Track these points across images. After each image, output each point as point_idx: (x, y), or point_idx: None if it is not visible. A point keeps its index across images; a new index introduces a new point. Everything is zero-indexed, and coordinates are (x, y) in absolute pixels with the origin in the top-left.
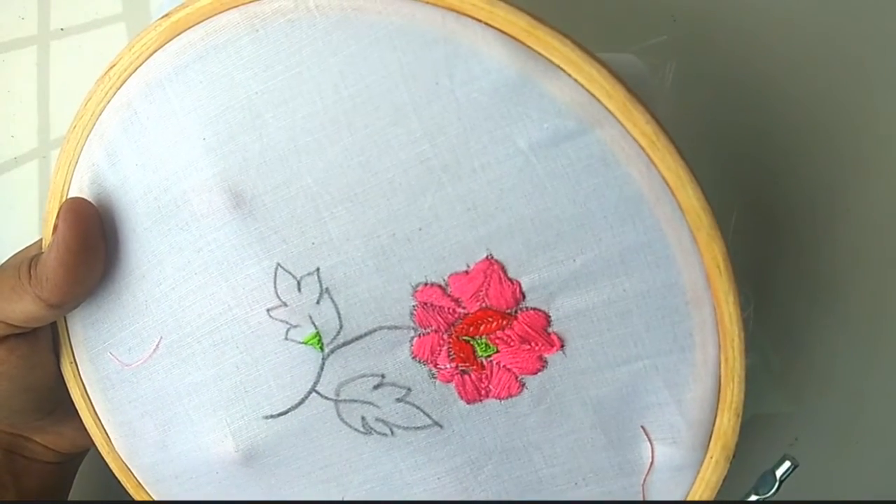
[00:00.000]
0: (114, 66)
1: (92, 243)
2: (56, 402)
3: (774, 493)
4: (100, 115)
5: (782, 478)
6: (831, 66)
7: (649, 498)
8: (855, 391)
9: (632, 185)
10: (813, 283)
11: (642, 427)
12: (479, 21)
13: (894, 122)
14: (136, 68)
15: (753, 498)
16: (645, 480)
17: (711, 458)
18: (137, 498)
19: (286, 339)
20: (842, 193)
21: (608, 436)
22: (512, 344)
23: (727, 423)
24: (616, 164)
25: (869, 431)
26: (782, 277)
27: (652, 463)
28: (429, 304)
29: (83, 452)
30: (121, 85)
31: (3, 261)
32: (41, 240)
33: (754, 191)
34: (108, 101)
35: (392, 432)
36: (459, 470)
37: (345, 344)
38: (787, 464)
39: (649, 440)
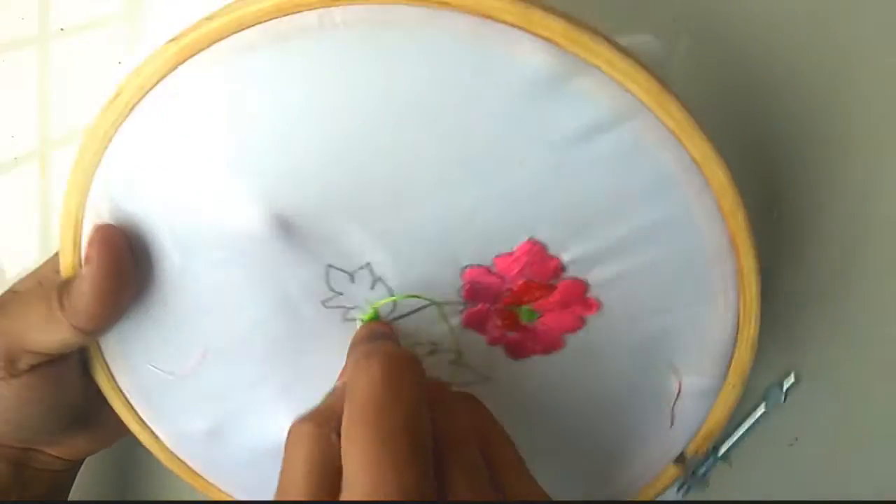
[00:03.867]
0: (120, 93)
1: (125, 272)
2: (74, 417)
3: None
4: (110, 141)
5: (787, 390)
6: (833, 64)
7: (677, 420)
8: (855, 391)
9: (664, 167)
10: (814, 284)
11: (671, 363)
12: (513, 25)
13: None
14: (146, 92)
15: (762, 410)
16: (674, 406)
17: (730, 384)
18: (196, 485)
19: (345, 320)
20: (843, 194)
21: (642, 375)
22: (554, 309)
23: (744, 355)
24: (648, 149)
25: (869, 432)
26: (783, 277)
27: (679, 392)
28: (476, 283)
29: (85, 457)
30: (129, 112)
31: (2, 261)
32: (52, 261)
33: (756, 192)
34: (118, 129)
35: None
36: (512, 412)
37: (400, 317)
38: (791, 377)
39: (678, 373)
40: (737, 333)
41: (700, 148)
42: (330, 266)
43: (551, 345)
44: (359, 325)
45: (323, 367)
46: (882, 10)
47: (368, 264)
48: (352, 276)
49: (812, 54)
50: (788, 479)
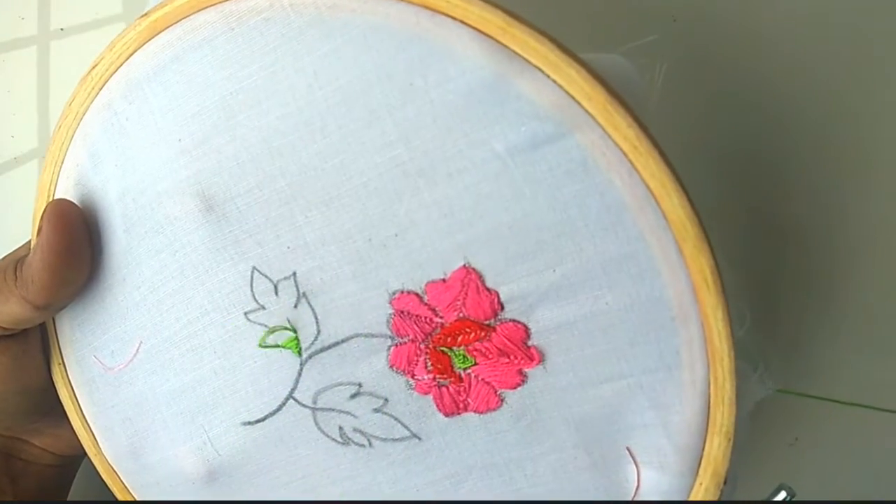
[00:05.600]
0: (95, 66)
1: (76, 245)
2: (51, 404)
3: None
4: (83, 115)
5: None
6: (830, 67)
7: None
8: (855, 391)
9: (613, 193)
10: (813, 284)
11: (627, 448)
12: (454, 19)
13: (894, 124)
14: (118, 68)
15: None
16: None
17: (701, 485)
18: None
19: (264, 344)
20: (842, 194)
21: (592, 456)
22: (490, 356)
23: (717, 448)
24: (597, 170)
25: (869, 432)
26: (782, 278)
27: (638, 487)
28: (406, 313)
29: (81, 455)
30: (103, 85)
31: None
32: (30, 241)
33: (752, 193)
34: (92, 102)
35: (370, 443)
36: (439, 483)
37: (322, 350)
38: (782, 493)
39: (635, 463)
40: (707, 418)
41: (655, 175)
42: (255, 269)
43: (486, 402)
44: (277, 353)
45: (238, 393)
46: (867, 31)
47: (294, 274)
48: (276, 287)
49: (803, 60)
50: (788, 479)
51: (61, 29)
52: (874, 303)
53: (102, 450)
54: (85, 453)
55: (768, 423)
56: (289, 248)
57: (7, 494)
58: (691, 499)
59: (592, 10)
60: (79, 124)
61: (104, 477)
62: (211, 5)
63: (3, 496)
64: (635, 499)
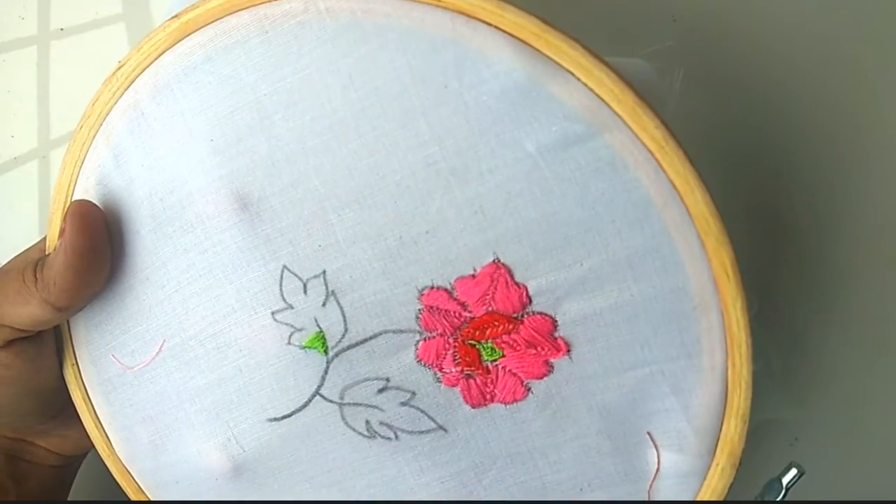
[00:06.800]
0: (122, 66)
1: (99, 247)
2: (61, 406)
3: (781, 500)
4: (107, 115)
5: (788, 485)
6: (834, 68)
7: None
8: (855, 392)
9: (640, 190)
10: (814, 285)
11: (648, 433)
12: (489, 24)
13: None
14: (145, 69)
15: None
16: (651, 487)
17: (718, 465)
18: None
19: (289, 342)
20: (845, 195)
21: (614, 442)
22: (518, 348)
23: (734, 430)
24: (624, 169)
25: (869, 432)
26: (784, 279)
27: (658, 469)
28: (435, 308)
29: (84, 455)
30: (128, 85)
31: (2, 261)
32: (41, 241)
33: (758, 193)
34: (116, 102)
35: (396, 436)
36: (464, 474)
37: (350, 347)
38: (793, 471)
39: (655, 446)
40: (724, 402)
41: (680, 173)
42: (286, 268)
43: (513, 392)
44: (303, 352)
45: (264, 390)
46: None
47: (324, 272)
48: (305, 286)
49: (811, 58)
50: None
51: (61, 29)
52: (875, 303)
53: (116, 450)
54: (87, 453)
55: (768, 424)
56: (320, 246)
57: (11, 496)
58: (708, 478)
59: (593, 14)
60: (101, 125)
61: (117, 477)
62: (244, 8)
63: (6, 498)
64: (655, 481)
